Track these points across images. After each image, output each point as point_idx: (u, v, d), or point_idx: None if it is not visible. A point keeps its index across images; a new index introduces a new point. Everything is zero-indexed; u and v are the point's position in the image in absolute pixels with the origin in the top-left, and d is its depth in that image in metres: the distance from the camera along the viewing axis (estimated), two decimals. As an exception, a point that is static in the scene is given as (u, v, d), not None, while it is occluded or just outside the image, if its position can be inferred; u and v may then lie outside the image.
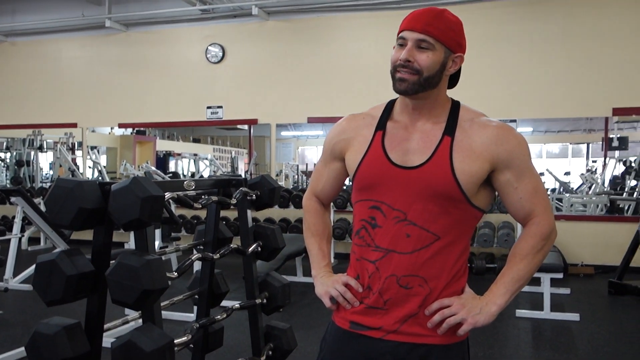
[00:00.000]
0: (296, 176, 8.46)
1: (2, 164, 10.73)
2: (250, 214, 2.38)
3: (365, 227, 1.38)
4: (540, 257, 1.35)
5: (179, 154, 11.38)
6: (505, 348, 3.87)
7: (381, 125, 1.39)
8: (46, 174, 10.36)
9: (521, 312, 4.60)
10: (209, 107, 7.98)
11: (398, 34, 1.34)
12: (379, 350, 1.35)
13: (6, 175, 10.47)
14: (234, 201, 2.29)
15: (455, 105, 1.39)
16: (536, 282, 5.08)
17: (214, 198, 2.20)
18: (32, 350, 1.64)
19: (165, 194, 1.78)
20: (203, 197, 2.18)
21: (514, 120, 6.77)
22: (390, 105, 1.43)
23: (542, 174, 10.14)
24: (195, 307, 2.41)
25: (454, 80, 1.42)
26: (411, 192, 1.31)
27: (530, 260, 1.33)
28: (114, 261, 1.68)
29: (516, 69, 6.78)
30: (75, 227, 1.71)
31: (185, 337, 1.92)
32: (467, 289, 1.37)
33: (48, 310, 4.45)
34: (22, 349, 3.40)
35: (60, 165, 9.10)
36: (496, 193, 1.39)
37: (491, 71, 6.80)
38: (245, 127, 8.16)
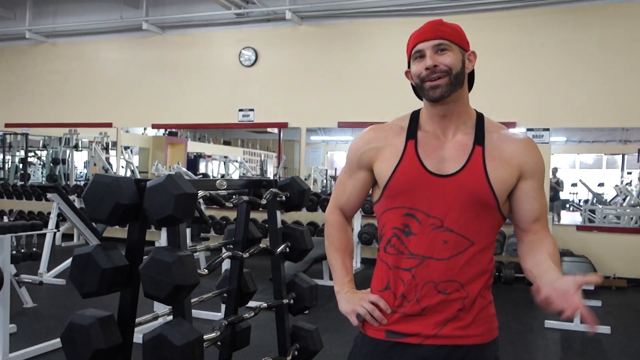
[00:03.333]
0: (325, 180, 8.49)
1: (39, 161, 11.03)
2: (279, 215, 2.41)
3: (397, 235, 1.38)
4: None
5: (209, 156, 11.53)
6: (533, 359, 3.81)
7: (412, 135, 1.40)
8: (80, 173, 10.62)
9: (550, 323, 4.52)
10: (240, 110, 8.07)
11: (410, 51, 1.39)
12: (419, 356, 1.35)
13: (42, 173, 10.76)
14: (264, 202, 2.33)
15: (480, 117, 1.43)
16: (566, 293, 4.96)
17: (245, 198, 2.24)
18: (67, 340, 1.69)
19: (198, 192, 1.82)
20: (234, 197, 2.22)
21: (547, 129, 6.67)
22: (416, 115, 1.44)
23: (574, 184, 9.93)
24: (223, 306, 2.45)
25: (469, 84, 1.44)
26: (448, 199, 1.33)
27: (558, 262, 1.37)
28: (146, 257, 1.73)
29: (551, 78, 6.68)
30: (111, 222, 1.77)
31: (214, 334, 1.96)
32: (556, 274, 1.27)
33: (81, 304, 4.54)
34: (57, 340, 3.50)
35: (95, 164, 9.31)
36: None
37: (525, 80, 6.72)
38: (275, 130, 8.23)
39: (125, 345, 1.77)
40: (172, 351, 1.63)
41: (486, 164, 1.33)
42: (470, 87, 1.44)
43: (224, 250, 2.31)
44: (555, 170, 7.60)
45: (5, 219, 7.52)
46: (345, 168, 1.53)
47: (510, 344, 3.91)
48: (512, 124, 6.48)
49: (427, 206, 1.34)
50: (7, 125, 9.69)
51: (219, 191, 2.10)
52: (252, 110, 8.02)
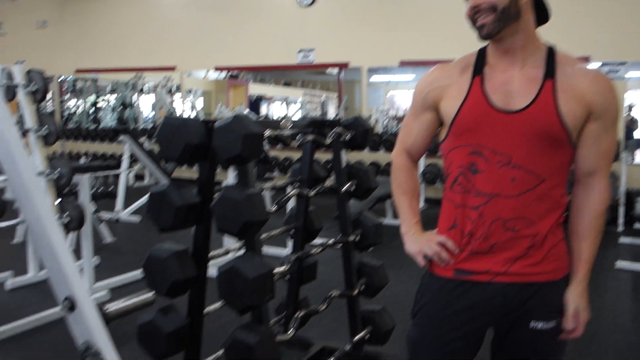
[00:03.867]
0: (386, 121, 8.37)
1: (108, 106, 11.45)
2: (343, 154, 2.41)
3: (464, 173, 1.36)
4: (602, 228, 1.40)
5: (270, 98, 11.58)
6: (603, 299, 3.74)
7: (478, 71, 1.36)
8: (146, 116, 10.95)
9: (621, 264, 4.40)
10: (300, 51, 8.00)
11: None
12: (488, 294, 1.36)
13: (111, 117, 11.19)
14: (328, 141, 2.33)
15: (551, 50, 1.35)
16: (637, 233, 4.81)
17: (310, 137, 2.25)
18: (147, 272, 1.80)
19: (264, 132, 1.84)
20: (299, 136, 2.23)
21: (624, 63, 6.25)
22: (482, 52, 1.39)
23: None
24: (290, 243, 2.52)
25: (543, 17, 1.36)
26: (516, 135, 1.29)
27: (598, 238, 1.40)
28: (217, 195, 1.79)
29: (628, 7, 6.19)
30: (182, 162, 1.83)
31: (283, 268, 2.02)
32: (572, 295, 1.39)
33: (156, 240, 4.80)
34: (135, 272, 3.74)
35: (161, 108, 9.56)
36: None
37: (600, 10, 6.27)
38: (335, 71, 8.13)
39: (199, 277, 1.87)
40: (244, 283, 1.70)
41: (557, 97, 1.27)
42: (544, 18, 1.36)
43: (289, 188, 2.36)
44: (630, 107, 7.18)
45: (82, 160, 7.93)
46: (411, 110, 1.50)
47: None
48: (585, 59, 6.11)
49: (494, 143, 1.31)
50: (77, 72, 10.05)
51: (284, 131, 2.12)
52: (312, 50, 7.93)
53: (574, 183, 1.40)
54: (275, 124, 2.22)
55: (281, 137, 2.00)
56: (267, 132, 1.90)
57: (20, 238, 4.56)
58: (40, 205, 1.44)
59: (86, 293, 1.43)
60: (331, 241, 2.36)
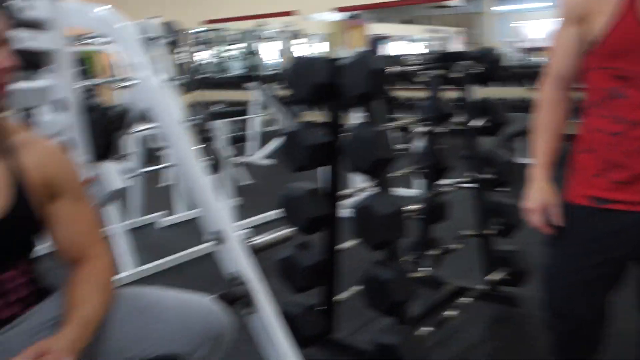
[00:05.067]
0: (514, 53, 7.85)
1: (234, 55, 11.87)
2: (472, 89, 2.31)
3: (605, 97, 1.28)
4: None
5: (390, 37, 11.30)
6: None
7: None
8: (270, 63, 11.21)
9: None
10: (421, -17, 7.66)
11: None
12: (627, 222, 1.30)
13: (237, 66, 11.60)
14: (456, 75, 2.25)
15: None
16: None
17: (436, 72, 2.18)
18: (284, 209, 1.90)
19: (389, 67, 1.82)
20: (425, 72, 2.17)
21: None
22: None
23: None
24: (415, 183, 2.50)
25: None
26: None
27: None
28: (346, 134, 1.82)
29: None
30: (311, 101, 1.87)
31: (414, 206, 2.03)
32: None
33: (289, 182, 5.01)
34: (270, 213, 3.93)
35: (284, 54, 9.72)
36: None
37: None
38: (457, 3, 7.69)
39: (332, 215, 1.94)
40: (377, 220, 1.73)
41: None
42: None
43: (416, 126, 2.32)
44: None
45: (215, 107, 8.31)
46: (561, 29, 1.37)
47: None
48: None
49: None
50: (204, 22, 10.49)
51: (409, 67, 2.07)
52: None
53: None
54: (400, 60, 2.17)
55: (406, 73, 1.96)
56: (393, 68, 1.87)
57: (166, 182, 4.97)
58: (189, 149, 1.57)
59: (233, 227, 1.55)
60: (462, 179, 2.31)
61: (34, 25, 1.39)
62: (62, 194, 1.11)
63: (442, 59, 2.31)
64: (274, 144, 6.12)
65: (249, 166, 5.66)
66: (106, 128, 1.47)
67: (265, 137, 6.46)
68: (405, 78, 1.98)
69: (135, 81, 1.62)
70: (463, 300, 2.23)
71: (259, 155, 6.01)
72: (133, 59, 1.62)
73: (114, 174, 1.45)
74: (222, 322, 1.19)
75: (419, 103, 2.43)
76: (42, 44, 1.39)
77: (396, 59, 2.05)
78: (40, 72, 1.47)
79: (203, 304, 1.19)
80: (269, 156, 6.02)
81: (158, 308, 1.14)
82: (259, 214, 3.97)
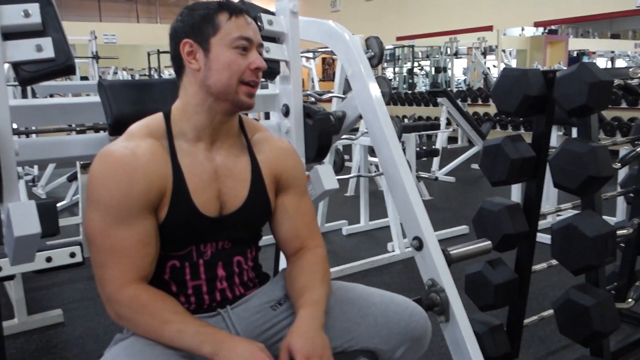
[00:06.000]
0: None
1: (422, 71, 11.95)
2: None
3: None
4: None
5: (593, 53, 10.45)
6: None
7: None
8: (458, 80, 11.05)
9: None
10: (638, -6, 6.95)
11: None
12: None
13: (423, 83, 11.65)
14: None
15: None
16: None
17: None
18: (478, 224, 1.86)
19: (614, 80, 1.69)
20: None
21: None
22: None
23: None
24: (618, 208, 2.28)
25: None
26: None
27: None
28: (555, 148, 1.74)
29: None
30: (519, 114, 1.81)
31: (625, 231, 1.86)
32: None
33: (471, 199, 4.91)
34: (445, 230, 3.87)
35: (475, 69, 9.53)
36: None
37: None
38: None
39: (530, 233, 1.85)
40: (582, 241, 1.62)
41: None
42: None
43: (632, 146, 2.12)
44: None
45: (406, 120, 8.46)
46: None
47: None
48: None
49: None
50: (397, 39, 10.72)
51: (634, 79, 1.90)
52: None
53: None
54: (624, 72, 1.99)
55: (632, 86, 1.80)
56: (617, 81, 1.74)
57: (352, 192, 5.17)
58: (396, 155, 1.63)
59: (433, 234, 1.57)
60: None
61: (274, 38, 1.57)
62: (289, 188, 1.24)
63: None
64: (459, 160, 6.02)
65: (435, 181, 5.63)
66: (323, 132, 1.59)
67: (450, 154, 6.39)
68: (629, 92, 1.83)
69: (353, 90, 1.74)
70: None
71: (442, 171, 5.96)
72: (354, 69, 1.73)
73: (328, 175, 1.56)
74: (424, 325, 1.19)
75: (638, 122, 2.22)
76: (279, 55, 1.56)
77: (621, 71, 1.90)
78: (274, 80, 1.64)
79: (407, 305, 1.20)
80: (451, 174, 5.93)
81: (365, 302, 1.18)
82: (439, 231, 3.94)
